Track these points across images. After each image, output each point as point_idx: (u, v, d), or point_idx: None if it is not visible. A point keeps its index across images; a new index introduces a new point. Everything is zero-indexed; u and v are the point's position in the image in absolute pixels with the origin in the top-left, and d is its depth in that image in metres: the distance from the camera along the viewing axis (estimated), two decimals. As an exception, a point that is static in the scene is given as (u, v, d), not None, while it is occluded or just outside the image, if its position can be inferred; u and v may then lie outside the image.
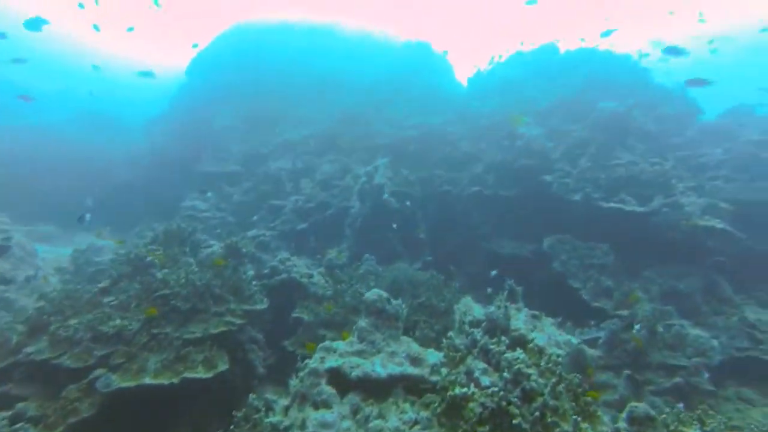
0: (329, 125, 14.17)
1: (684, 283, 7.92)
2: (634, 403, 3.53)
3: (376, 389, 3.61)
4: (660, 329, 6.59)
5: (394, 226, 9.68)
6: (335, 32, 18.55)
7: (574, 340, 4.93)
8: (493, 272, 7.61)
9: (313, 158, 13.03)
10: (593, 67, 12.90)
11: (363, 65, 16.11)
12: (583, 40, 14.89)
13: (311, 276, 7.31)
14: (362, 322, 4.17)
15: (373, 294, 4.27)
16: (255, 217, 11.58)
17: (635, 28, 33.13)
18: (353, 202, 10.31)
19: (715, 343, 6.24)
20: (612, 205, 8.89)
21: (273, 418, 3.50)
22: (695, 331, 6.56)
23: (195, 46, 19.68)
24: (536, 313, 5.17)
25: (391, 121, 13.53)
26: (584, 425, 3.40)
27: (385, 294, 4.32)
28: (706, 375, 5.93)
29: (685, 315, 7.32)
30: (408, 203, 10.14)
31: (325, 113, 14.74)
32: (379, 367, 3.67)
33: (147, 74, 14.31)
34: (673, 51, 9.87)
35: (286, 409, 3.62)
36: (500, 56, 14.37)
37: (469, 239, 10.89)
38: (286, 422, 3.42)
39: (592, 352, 6.45)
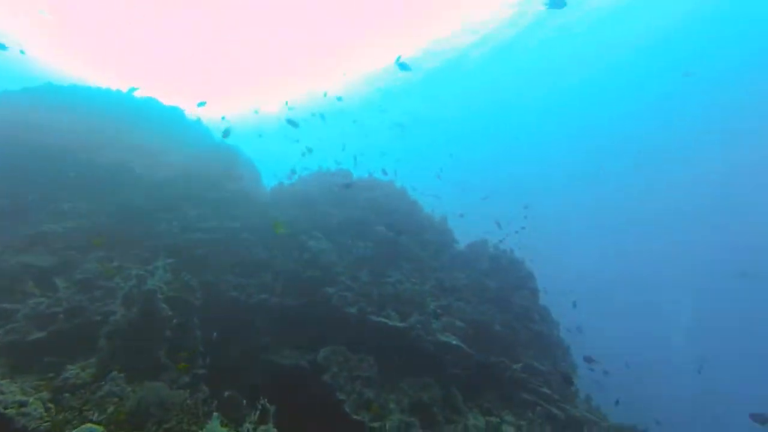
0: (104, 221, 12.67)
1: (428, 394, 9.15)
2: None
3: None
4: (403, 439, 7.35)
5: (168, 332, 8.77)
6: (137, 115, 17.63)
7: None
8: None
9: (76, 255, 11.22)
10: (377, 193, 15.35)
11: (157, 160, 15.43)
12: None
13: (25, 404, 5.86)
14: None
15: (80, 431, 3.71)
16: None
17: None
18: (116, 307, 9.05)
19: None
20: (380, 319, 10.06)
21: None
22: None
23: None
24: (279, 434, 5.23)
25: (182, 221, 12.94)
26: None
27: (99, 429, 3.80)
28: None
29: (427, 425, 8.37)
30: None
31: (101, 207, 13.22)
32: None
33: None
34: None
35: None
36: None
37: (250, 349, 10.54)
38: None
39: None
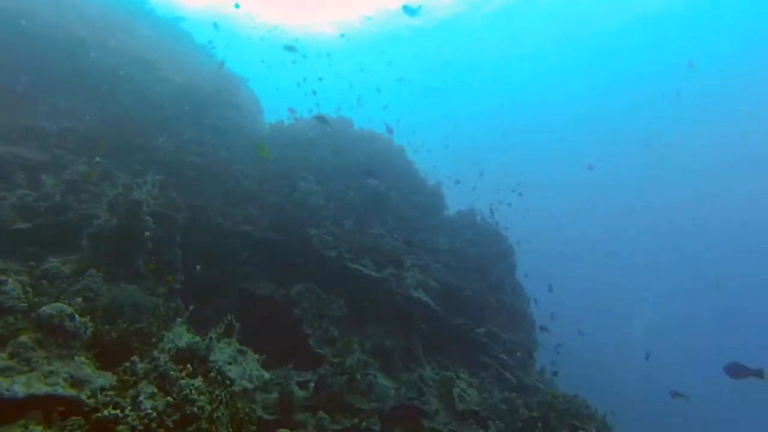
0: (99, 126, 12.54)
1: (391, 341, 9.59)
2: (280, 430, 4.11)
3: (8, 411, 3.24)
4: (359, 377, 7.78)
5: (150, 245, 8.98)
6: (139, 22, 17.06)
7: (268, 376, 5.41)
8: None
9: (67, 155, 11.20)
10: (376, 146, 15.29)
11: (157, 74, 15.08)
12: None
13: (4, 283, 6.08)
14: (24, 338, 3.75)
15: (51, 308, 3.92)
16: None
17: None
18: (101, 212, 9.19)
19: (392, 392, 7.68)
20: (356, 266, 10.34)
21: None
22: (384, 381, 7.97)
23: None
24: (244, 349, 5.53)
25: (177, 142, 12.87)
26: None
27: (69, 309, 4.01)
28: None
29: (384, 368, 8.83)
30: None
31: (98, 112, 13.03)
32: (19, 386, 3.33)
33: None
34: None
35: None
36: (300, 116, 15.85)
37: (228, 274, 10.84)
38: None
39: (301, 392, 7.12)
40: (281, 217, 11.14)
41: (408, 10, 12.16)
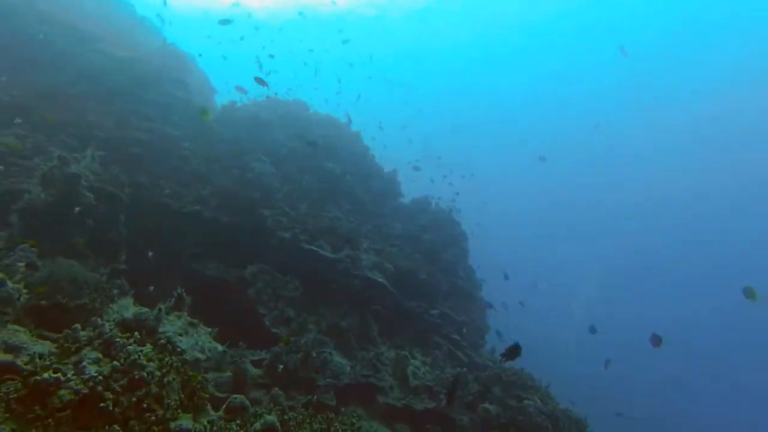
0: (32, 100, 11.53)
1: (346, 322, 9.63)
2: (234, 395, 4.04)
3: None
4: (314, 355, 7.76)
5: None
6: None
7: (221, 348, 5.28)
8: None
9: (-9, 126, 10.22)
10: (331, 131, 15.17)
11: (95, 46, 14.05)
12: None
13: None
14: (-50, 302, 3.42)
15: (-19, 272, 3.60)
16: None
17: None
18: (31, 186, 8.48)
19: (348, 369, 7.74)
20: (311, 247, 10.25)
21: None
22: (339, 359, 8.00)
23: None
24: (195, 321, 5.35)
25: (119, 118, 12.09)
26: (184, 414, 3.64)
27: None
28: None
29: (340, 347, 8.86)
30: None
31: (27, 84, 11.96)
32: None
33: None
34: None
35: None
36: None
37: (175, 255, 10.39)
38: None
39: (255, 370, 7.00)
40: (233, 198, 10.80)
41: None
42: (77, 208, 7.72)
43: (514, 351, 5.78)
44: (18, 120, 9.89)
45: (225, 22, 13.15)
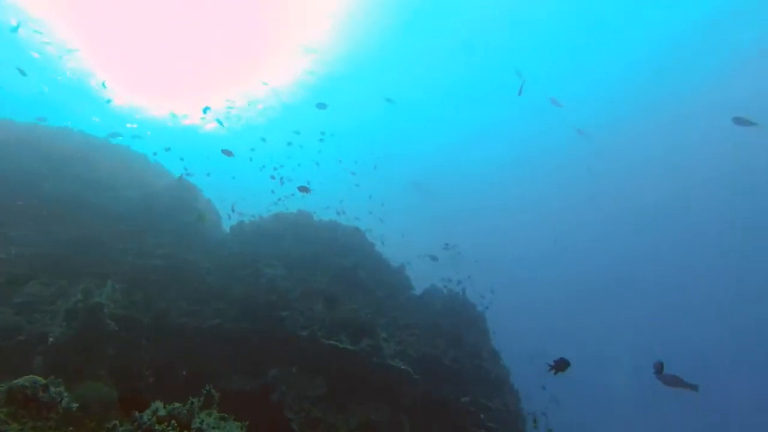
0: (55, 249, 12.47)
1: (375, 416, 9.22)
2: None
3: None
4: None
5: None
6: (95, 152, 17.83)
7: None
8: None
9: (19, 280, 10.94)
10: (337, 233, 15.96)
11: (117, 194, 15.53)
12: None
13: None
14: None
15: (24, 380, 3.85)
16: None
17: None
18: (54, 327, 8.83)
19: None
20: (331, 342, 10.22)
21: None
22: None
23: None
24: (225, 416, 5.33)
25: (137, 251, 12.90)
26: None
27: (41, 381, 3.93)
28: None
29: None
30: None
31: (53, 236, 13.01)
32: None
33: None
34: None
35: None
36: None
37: (197, 374, 10.28)
38: None
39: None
40: (250, 305, 11.06)
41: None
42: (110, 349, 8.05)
43: (562, 363, 5.75)
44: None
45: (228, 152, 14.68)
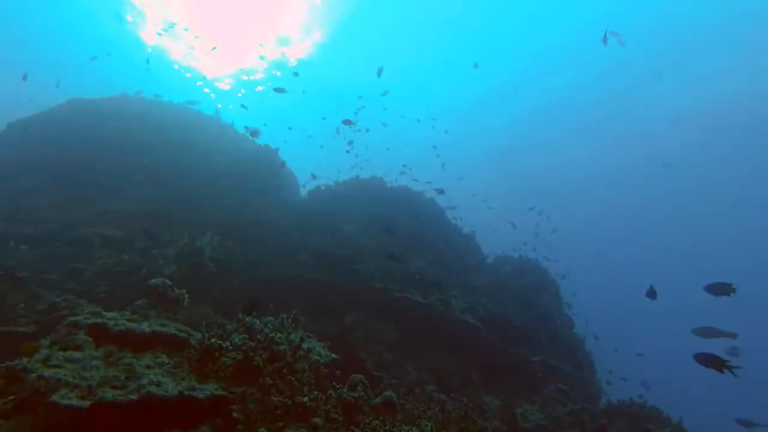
0: (161, 204, 14.23)
1: (444, 366, 9.63)
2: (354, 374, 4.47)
3: (138, 343, 3.88)
4: (416, 390, 7.89)
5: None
6: (190, 122, 19.63)
7: (334, 356, 5.80)
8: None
9: (137, 229, 12.69)
10: (408, 197, 16.36)
11: (212, 159, 17.06)
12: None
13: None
14: (140, 302, 4.48)
15: (157, 280, 4.68)
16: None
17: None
18: (167, 266, 10.25)
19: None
20: (403, 294, 10.73)
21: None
22: (440, 395, 8.02)
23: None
24: (310, 334, 6.00)
25: (228, 207, 14.29)
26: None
27: (169, 282, 4.76)
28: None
29: (441, 386, 8.83)
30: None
31: (159, 193, 14.80)
32: (145, 325, 4.00)
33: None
34: None
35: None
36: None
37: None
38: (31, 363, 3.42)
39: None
40: (328, 259, 11.88)
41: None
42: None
43: (652, 292, 6.09)
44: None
45: (279, 90, 15.22)
